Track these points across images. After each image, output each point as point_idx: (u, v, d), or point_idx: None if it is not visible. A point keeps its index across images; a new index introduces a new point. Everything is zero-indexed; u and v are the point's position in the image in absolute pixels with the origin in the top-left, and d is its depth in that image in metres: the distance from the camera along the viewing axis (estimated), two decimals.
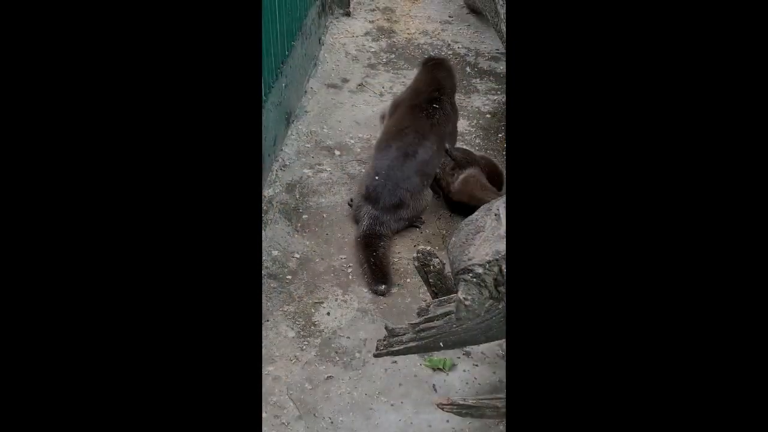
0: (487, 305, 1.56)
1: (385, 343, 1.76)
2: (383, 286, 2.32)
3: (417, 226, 2.58)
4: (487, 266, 1.51)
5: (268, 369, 2.05)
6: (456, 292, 1.59)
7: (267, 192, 2.65)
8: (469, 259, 1.55)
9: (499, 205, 1.63)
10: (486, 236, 1.58)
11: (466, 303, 1.53)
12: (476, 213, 1.73)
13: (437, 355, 2.06)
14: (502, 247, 1.52)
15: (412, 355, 1.99)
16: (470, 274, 1.52)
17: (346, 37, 3.66)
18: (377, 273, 2.35)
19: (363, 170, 2.78)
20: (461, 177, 2.59)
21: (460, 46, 3.64)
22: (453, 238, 1.70)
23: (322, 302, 2.29)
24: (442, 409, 1.73)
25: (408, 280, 2.37)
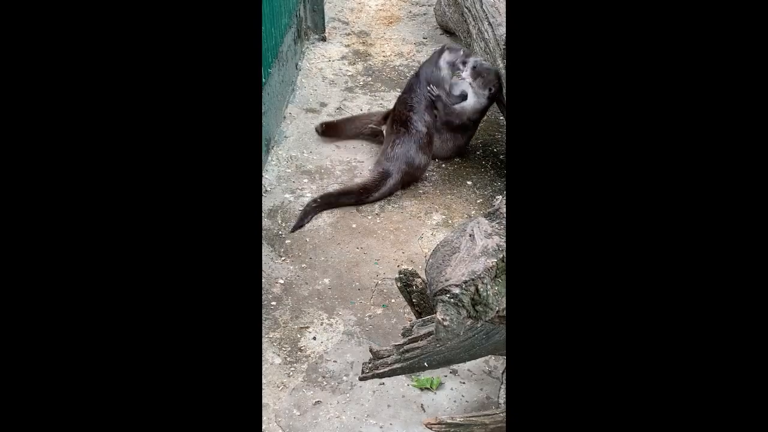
0: (467, 325, 1.58)
1: (370, 365, 1.77)
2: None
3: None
4: (464, 286, 1.53)
5: None
6: (435, 313, 1.61)
7: None
8: (446, 280, 1.57)
9: (473, 225, 1.66)
10: (461, 257, 1.61)
11: (445, 323, 1.55)
12: (451, 234, 1.75)
13: (424, 375, 2.07)
14: (477, 267, 1.54)
15: (400, 376, 2.00)
16: (447, 295, 1.54)
17: (323, 61, 3.70)
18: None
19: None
20: None
21: None
22: (430, 260, 1.72)
23: (308, 327, 2.29)
24: (431, 428, 1.74)
25: (393, 300, 2.38)
